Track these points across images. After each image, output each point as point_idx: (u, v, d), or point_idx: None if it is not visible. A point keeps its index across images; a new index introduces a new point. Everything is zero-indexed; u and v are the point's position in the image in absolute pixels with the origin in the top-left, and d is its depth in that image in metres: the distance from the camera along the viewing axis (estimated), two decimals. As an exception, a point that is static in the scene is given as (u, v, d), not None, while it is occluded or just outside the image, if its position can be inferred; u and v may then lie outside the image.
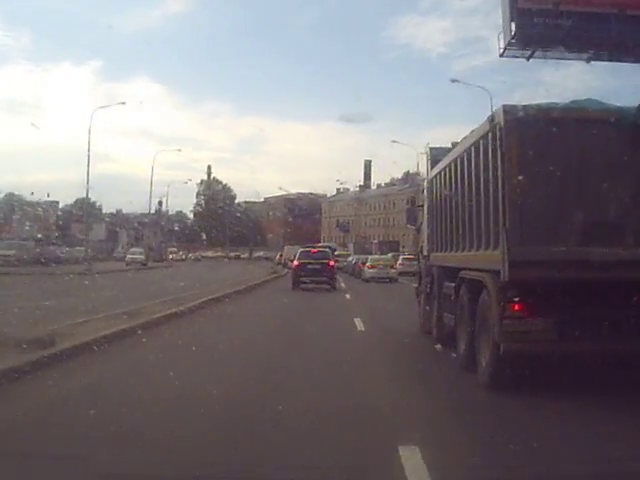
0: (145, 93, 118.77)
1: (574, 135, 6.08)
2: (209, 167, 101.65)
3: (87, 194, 40.39)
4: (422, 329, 11.44)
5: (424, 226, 11.72)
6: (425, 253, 11.55)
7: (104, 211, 79.80)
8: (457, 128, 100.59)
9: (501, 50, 23.68)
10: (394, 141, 45.94)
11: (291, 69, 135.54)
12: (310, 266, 24.26)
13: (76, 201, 43.53)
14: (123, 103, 45.25)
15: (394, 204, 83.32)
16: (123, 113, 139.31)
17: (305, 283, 24.11)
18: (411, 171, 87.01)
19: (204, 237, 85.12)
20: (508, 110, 6.11)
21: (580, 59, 23.65)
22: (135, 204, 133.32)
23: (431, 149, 11.00)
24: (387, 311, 16.16)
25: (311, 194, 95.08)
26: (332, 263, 25.17)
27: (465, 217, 7.82)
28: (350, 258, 42.86)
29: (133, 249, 53.49)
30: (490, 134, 6.52)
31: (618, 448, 4.47)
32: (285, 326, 12.43)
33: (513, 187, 6.00)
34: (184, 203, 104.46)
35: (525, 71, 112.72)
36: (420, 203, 12.86)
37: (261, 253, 74.00)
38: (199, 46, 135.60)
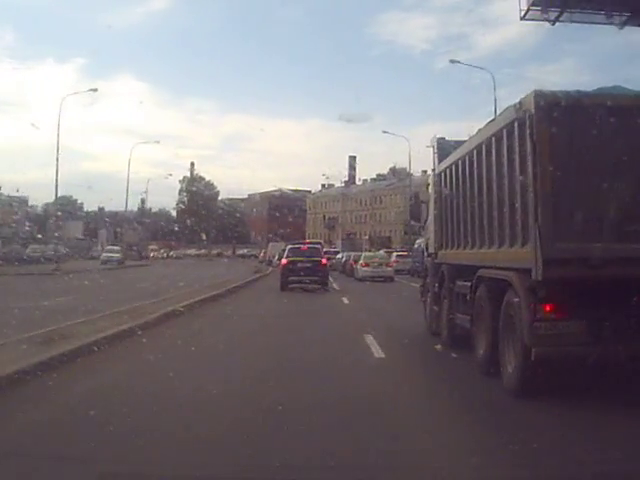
0: (129, 91, 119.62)
1: (609, 123, 5.73)
2: (192, 164, 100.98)
3: (56, 190, 38.97)
4: (429, 330, 11.12)
5: (430, 222, 11.38)
6: (431, 250, 11.20)
7: (87, 209, 78.78)
8: (444, 123, 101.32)
9: (522, 12, 19.71)
10: (385, 132, 44.21)
11: (275, 66, 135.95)
12: (300, 264, 22.60)
13: (56, 199, 42.50)
14: (95, 90, 43.64)
15: (381, 200, 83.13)
16: (107, 111, 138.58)
17: (295, 283, 22.65)
18: (398, 166, 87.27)
19: (187, 235, 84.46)
20: (539, 96, 5.75)
21: (612, 23, 19.36)
22: (117, 202, 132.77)
23: (439, 141, 10.65)
24: (398, 319, 13.63)
25: (296, 190, 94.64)
26: (325, 261, 23.55)
27: (483, 212, 7.47)
28: (339, 255, 40.99)
29: (109, 247, 51.20)
30: (516, 122, 6.16)
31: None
32: (275, 353, 8.96)
33: (545, 179, 5.65)
34: (168, 201, 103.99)
35: (509, 67, 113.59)
36: (424, 199, 12.53)
37: (245, 250, 73.28)
38: (183, 43, 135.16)
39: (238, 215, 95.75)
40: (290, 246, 24.92)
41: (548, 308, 5.79)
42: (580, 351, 5.76)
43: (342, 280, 30.28)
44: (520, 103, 6.08)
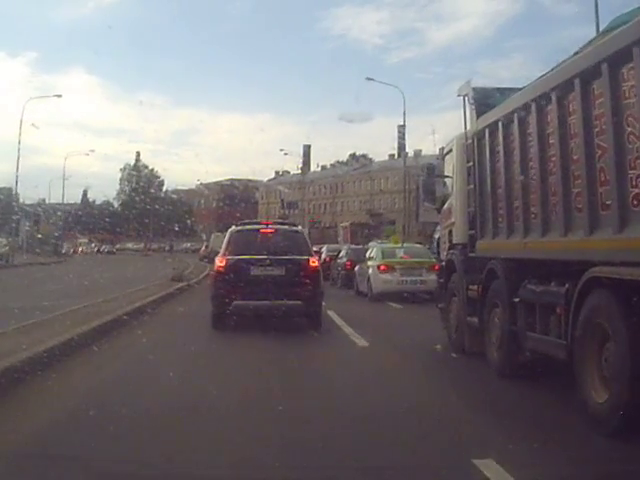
0: (81, 85, 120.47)
1: None
2: (138, 153, 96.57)
3: None
4: (456, 348, 8.54)
5: (456, 203, 8.75)
6: (459, 240, 8.60)
7: (28, 203, 74.24)
8: (392, 118, 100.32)
9: None
10: (369, 78, 37.88)
11: (225, 60, 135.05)
12: (258, 270, 10.38)
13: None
14: (59, 95, 40.16)
15: (342, 187, 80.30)
16: (58, 105, 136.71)
17: (245, 312, 10.40)
18: (358, 153, 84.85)
19: (129, 227, 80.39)
20: None
21: None
22: (68, 195, 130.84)
23: (475, 90, 7.99)
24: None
25: (247, 180, 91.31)
26: (315, 262, 10.93)
27: (606, 175, 4.85)
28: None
29: None
30: None
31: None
32: None
33: None
34: (114, 194, 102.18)
35: (461, 62, 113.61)
36: (440, 172, 9.89)
37: (188, 244, 69.28)
38: (133, 37, 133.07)
39: (185, 206, 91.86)
40: (236, 230, 11.37)
41: None
42: None
43: (335, 298, 14.96)
44: None
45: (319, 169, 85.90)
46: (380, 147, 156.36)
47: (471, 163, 7.97)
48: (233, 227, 11.53)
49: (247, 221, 12.74)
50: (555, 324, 5.60)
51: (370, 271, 16.98)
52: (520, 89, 6.95)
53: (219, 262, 10.73)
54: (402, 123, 50.66)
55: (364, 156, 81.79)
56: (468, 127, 8.18)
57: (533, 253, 6.17)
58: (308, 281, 10.39)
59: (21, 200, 69.56)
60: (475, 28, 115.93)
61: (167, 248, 65.76)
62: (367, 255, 18.40)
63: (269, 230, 11.28)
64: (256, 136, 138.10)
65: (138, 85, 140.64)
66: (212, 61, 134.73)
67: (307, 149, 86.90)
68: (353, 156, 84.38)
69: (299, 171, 74.80)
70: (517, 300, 6.40)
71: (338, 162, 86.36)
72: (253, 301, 10.28)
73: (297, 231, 11.72)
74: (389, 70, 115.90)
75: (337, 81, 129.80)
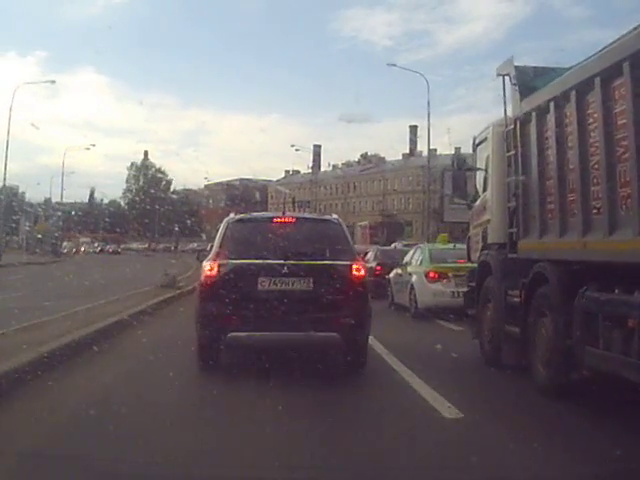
0: (90, 84, 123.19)
1: None
2: (145, 152, 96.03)
3: None
4: (488, 360, 7.78)
5: (492, 198, 7.96)
6: (496, 239, 7.82)
7: (34, 202, 74.35)
8: (400, 120, 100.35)
9: None
10: (391, 64, 36.38)
11: (235, 61, 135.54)
12: (269, 283, 6.73)
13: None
14: (53, 82, 39.63)
15: (354, 187, 79.46)
16: (67, 105, 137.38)
17: (247, 349, 7.38)
18: (370, 152, 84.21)
19: (135, 226, 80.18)
20: None
21: None
22: (74, 194, 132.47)
23: (518, 69, 7.18)
24: None
25: (256, 180, 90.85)
26: (361, 271, 6.98)
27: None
28: None
29: None
30: None
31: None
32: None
33: None
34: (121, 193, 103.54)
35: (470, 64, 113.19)
36: (471, 164, 9.09)
37: (195, 244, 68.89)
38: (143, 37, 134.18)
39: (192, 206, 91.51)
40: (235, 220, 7.52)
41: None
42: None
43: None
44: None
45: (330, 169, 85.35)
46: (390, 149, 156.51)
47: (513, 152, 7.16)
48: (231, 215, 7.75)
49: (252, 213, 8.75)
50: (625, 339, 4.78)
51: (414, 279, 13.37)
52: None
53: (208, 269, 7.03)
54: (414, 123, 49.91)
55: (376, 156, 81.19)
56: (509, 112, 7.40)
57: (596, 255, 5.33)
58: (350, 301, 6.80)
59: (27, 199, 69.74)
60: (485, 30, 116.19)
61: (172, 248, 65.56)
62: (407, 258, 14.90)
63: (286, 219, 7.45)
64: (265, 136, 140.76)
65: (147, 85, 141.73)
66: (221, 62, 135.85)
67: (318, 149, 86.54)
68: (365, 156, 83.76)
69: (309, 171, 74.12)
70: (573, 309, 5.60)
71: (347, 162, 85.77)
72: (260, 332, 6.70)
73: (331, 221, 7.62)
74: (398, 72, 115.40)
75: (347, 82, 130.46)
